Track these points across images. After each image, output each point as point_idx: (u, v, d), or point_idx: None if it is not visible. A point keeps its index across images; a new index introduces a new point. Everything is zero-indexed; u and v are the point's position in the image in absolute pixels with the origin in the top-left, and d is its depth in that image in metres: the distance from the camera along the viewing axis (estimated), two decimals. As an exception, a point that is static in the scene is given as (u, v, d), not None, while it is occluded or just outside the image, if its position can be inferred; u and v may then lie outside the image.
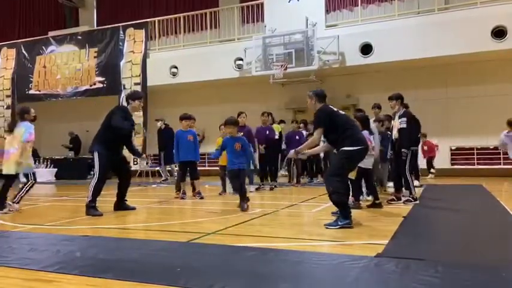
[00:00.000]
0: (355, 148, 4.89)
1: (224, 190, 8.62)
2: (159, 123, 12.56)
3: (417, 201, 6.59)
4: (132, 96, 6.60)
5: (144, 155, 7.18)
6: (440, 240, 4.22)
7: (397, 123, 6.70)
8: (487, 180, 10.28)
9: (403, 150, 6.53)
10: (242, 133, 8.62)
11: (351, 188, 6.04)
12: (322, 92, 5.31)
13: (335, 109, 5.17)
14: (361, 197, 6.59)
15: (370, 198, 6.66)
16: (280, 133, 10.62)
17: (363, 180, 6.60)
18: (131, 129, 6.45)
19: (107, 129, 6.21)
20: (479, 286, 2.71)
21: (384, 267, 3.05)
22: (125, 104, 6.82)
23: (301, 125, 11.31)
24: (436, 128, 12.04)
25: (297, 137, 10.14)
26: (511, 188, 9.52)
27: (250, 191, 8.76)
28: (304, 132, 10.94)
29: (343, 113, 5.23)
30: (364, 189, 6.90)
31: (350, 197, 6.18)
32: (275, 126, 10.35)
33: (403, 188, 6.94)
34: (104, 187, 6.19)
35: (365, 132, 6.41)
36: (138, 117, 14.36)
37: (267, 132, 9.61)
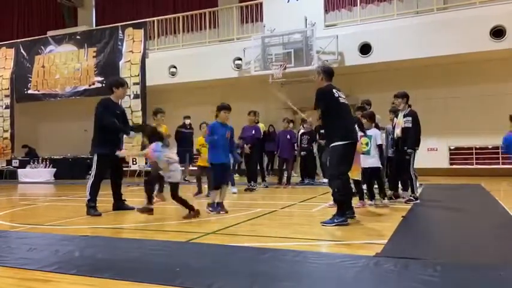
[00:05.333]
0: (344, 143, 4.86)
1: (199, 191, 8.24)
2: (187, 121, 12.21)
3: (418, 201, 6.60)
4: (116, 84, 6.49)
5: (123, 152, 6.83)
6: (439, 240, 4.22)
7: (402, 122, 6.63)
8: (486, 180, 10.29)
9: (408, 150, 6.48)
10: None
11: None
12: (330, 69, 5.23)
13: (336, 94, 5.01)
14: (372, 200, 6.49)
15: (386, 200, 6.52)
16: (264, 132, 10.52)
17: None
18: (115, 123, 6.25)
19: (99, 129, 6.23)
20: (477, 285, 2.71)
21: (383, 267, 3.05)
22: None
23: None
24: (435, 128, 12.03)
25: (288, 136, 10.07)
26: (510, 188, 9.53)
27: (234, 192, 8.52)
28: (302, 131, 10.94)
29: (343, 100, 5.07)
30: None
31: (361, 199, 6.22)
32: (260, 125, 10.31)
33: (400, 188, 6.95)
34: (101, 187, 6.19)
35: (374, 131, 6.35)
36: (137, 117, 14.42)
37: (253, 131, 9.50)
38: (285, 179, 10.11)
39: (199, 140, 8.17)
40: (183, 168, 11.95)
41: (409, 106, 6.85)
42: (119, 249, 3.86)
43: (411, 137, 6.53)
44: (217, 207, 5.94)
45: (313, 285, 2.74)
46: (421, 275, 2.82)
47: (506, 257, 3.47)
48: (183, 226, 5.15)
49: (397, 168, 6.91)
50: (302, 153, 10.53)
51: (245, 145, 9.26)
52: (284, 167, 10.27)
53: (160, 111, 7.85)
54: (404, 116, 6.65)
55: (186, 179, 11.76)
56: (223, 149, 6.12)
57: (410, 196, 6.62)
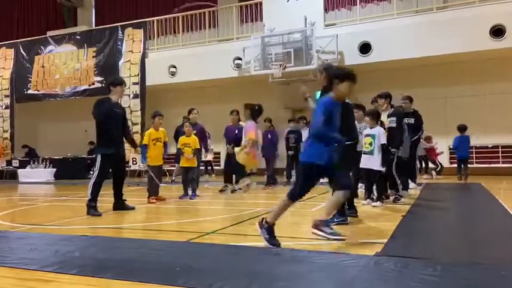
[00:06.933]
0: (346, 143, 4.84)
1: (186, 194, 7.90)
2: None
3: (402, 200, 6.56)
4: (113, 83, 6.49)
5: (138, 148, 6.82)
6: (439, 239, 4.22)
7: (386, 122, 6.63)
8: (486, 179, 10.29)
9: (392, 149, 6.43)
10: (195, 131, 8.15)
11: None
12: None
13: None
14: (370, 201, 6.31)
15: (377, 204, 6.25)
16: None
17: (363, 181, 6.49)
18: (105, 117, 6.16)
19: (99, 128, 6.25)
20: (478, 285, 2.71)
21: (383, 266, 3.05)
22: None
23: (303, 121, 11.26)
24: (435, 127, 12.04)
25: (269, 136, 10.00)
26: (510, 187, 9.53)
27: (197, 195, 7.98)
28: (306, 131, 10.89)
29: (347, 100, 4.91)
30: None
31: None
32: (242, 124, 10.05)
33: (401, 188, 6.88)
34: (102, 187, 6.20)
35: (378, 129, 6.15)
36: (136, 117, 14.42)
37: (237, 131, 9.20)
38: (272, 182, 9.88)
39: (181, 140, 7.94)
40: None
41: (392, 106, 6.85)
42: (119, 249, 3.86)
43: (396, 137, 6.51)
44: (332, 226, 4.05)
45: (313, 284, 2.74)
46: (421, 274, 2.82)
47: (506, 256, 3.47)
48: (183, 226, 5.16)
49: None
50: (289, 152, 10.35)
51: (228, 145, 9.08)
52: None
53: (158, 114, 7.80)
54: (389, 116, 6.63)
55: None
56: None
57: (396, 195, 6.60)
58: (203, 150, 8.76)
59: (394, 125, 6.55)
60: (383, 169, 6.22)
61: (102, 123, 6.18)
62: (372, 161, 6.14)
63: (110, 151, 6.14)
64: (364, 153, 6.18)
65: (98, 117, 6.19)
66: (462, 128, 10.57)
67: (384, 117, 6.72)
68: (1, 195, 10.01)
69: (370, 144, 6.11)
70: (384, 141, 6.17)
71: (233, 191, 8.71)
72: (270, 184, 9.80)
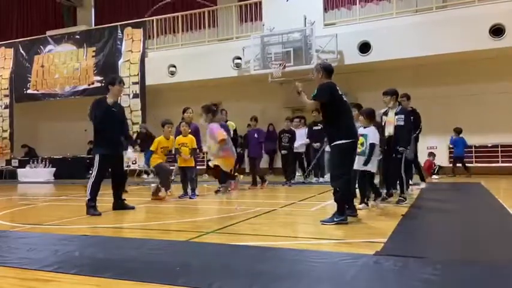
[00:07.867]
0: (346, 141, 4.84)
1: (185, 193, 7.89)
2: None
3: (407, 201, 6.39)
4: (111, 82, 6.43)
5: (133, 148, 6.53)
6: (439, 238, 4.23)
7: (393, 120, 6.46)
8: (486, 179, 10.30)
9: (400, 148, 6.32)
10: (189, 130, 8.06)
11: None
12: (330, 67, 5.17)
13: (340, 91, 4.99)
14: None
15: (375, 202, 6.15)
16: (235, 131, 10.04)
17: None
18: (100, 120, 6.15)
19: (96, 127, 6.25)
20: (477, 284, 2.71)
21: (383, 265, 3.05)
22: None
23: (299, 120, 11.25)
24: (435, 127, 12.04)
25: (256, 135, 9.86)
26: (509, 186, 9.54)
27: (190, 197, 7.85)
28: (304, 130, 10.89)
29: (345, 99, 5.08)
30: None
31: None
32: (229, 123, 9.49)
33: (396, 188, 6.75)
34: (101, 187, 6.20)
35: (370, 129, 5.87)
36: (136, 116, 14.42)
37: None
38: (265, 179, 9.78)
39: (178, 140, 7.92)
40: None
41: (399, 104, 6.72)
42: (119, 249, 3.86)
43: (404, 136, 6.36)
44: None
45: (313, 284, 2.74)
46: (421, 274, 2.83)
47: (506, 255, 3.48)
48: (183, 225, 5.16)
49: (387, 167, 6.62)
50: (282, 151, 10.26)
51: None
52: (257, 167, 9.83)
53: (167, 123, 7.92)
54: (396, 114, 6.46)
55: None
56: None
57: (400, 197, 6.41)
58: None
59: (402, 123, 6.36)
60: (374, 170, 5.97)
61: (100, 123, 6.17)
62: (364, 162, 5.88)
63: (108, 151, 6.14)
64: (358, 154, 5.79)
65: (94, 118, 6.17)
66: (457, 131, 12.08)
67: (391, 114, 6.54)
68: (1, 195, 10.00)
69: (362, 144, 5.81)
70: (372, 140, 5.81)
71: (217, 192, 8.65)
72: (263, 182, 9.68)
